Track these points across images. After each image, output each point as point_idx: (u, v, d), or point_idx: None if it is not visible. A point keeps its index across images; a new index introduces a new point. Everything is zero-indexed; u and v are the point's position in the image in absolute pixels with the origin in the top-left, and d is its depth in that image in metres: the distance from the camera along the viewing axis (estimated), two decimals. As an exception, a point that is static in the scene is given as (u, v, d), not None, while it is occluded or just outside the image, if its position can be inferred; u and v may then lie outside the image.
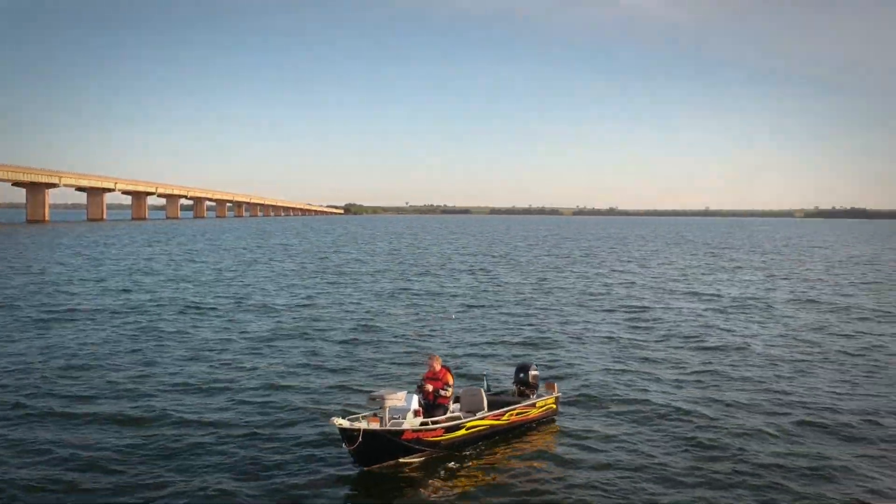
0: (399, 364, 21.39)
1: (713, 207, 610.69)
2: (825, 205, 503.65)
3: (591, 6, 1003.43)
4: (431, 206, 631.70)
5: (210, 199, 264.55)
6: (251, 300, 34.82)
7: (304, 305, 33.48)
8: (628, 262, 66.22)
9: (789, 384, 19.64)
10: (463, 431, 14.41)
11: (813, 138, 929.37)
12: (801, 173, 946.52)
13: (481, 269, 54.71)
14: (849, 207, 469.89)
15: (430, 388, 14.69)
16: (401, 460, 13.57)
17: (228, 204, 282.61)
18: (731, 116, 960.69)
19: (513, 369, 16.99)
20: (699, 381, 19.85)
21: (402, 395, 13.93)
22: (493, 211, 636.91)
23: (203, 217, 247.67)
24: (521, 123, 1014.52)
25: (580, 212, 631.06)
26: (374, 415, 13.48)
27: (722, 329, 28.29)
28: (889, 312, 33.54)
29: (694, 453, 14.29)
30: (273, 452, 14.01)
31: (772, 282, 47.89)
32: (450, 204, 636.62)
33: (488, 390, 15.98)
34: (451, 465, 13.70)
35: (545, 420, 16.07)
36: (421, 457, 13.81)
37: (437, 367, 15.00)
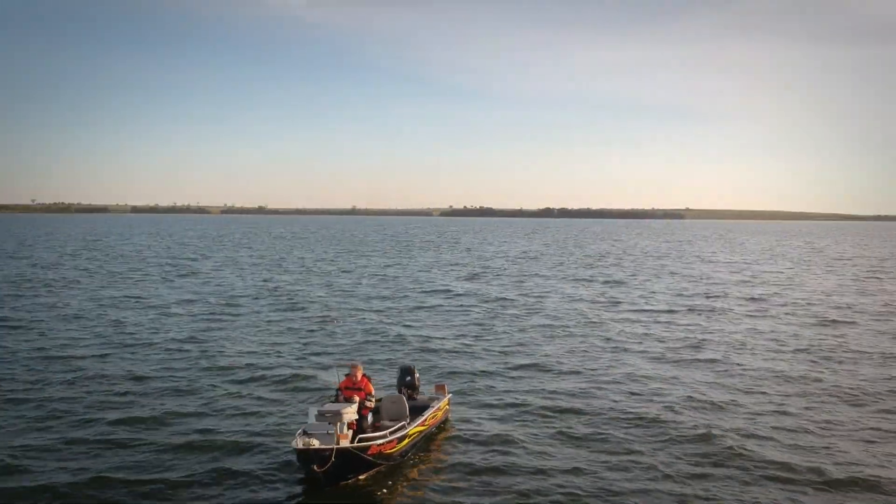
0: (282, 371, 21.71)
1: (360, 206, 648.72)
2: (458, 204, 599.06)
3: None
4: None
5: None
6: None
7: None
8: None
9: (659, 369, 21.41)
10: (406, 441, 14.52)
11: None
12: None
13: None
14: (479, 206, 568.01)
15: (356, 398, 14.77)
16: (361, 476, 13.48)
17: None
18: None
19: (394, 371, 17.75)
20: (572, 375, 21.46)
21: (353, 408, 13.95)
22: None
23: None
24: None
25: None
26: (305, 433, 13.08)
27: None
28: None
29: (576, 443, 15.66)
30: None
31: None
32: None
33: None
34: (401, 473, 13.99)
35: (444, 420, 16.80)
36: (376, 470, 13.75)
37: (359, 376, 15.26)
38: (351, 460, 13.05)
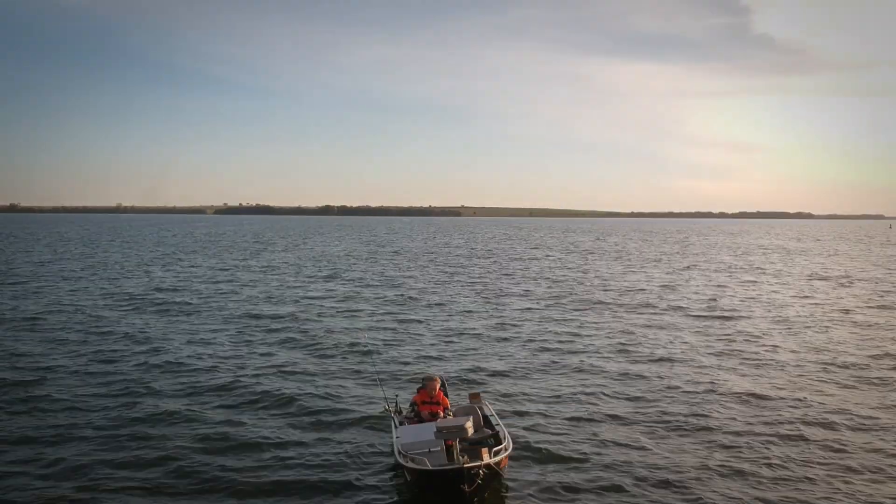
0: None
1: (126, 204, 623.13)
2: (234, 201, 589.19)
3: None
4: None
5: None
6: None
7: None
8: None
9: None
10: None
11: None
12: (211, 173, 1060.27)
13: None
14: (255, 204, 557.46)
15: (440, 414, 13.14)
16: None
17: None
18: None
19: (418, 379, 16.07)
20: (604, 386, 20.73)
21: (472, 421, 12.32)
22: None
23: None
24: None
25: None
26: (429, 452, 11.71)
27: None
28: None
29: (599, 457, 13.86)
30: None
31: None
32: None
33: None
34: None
35: None
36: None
37: (437, 388, 13.56)
38: (490, 477, 11.34)
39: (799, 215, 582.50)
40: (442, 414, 13.22)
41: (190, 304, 33.80)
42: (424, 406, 13.34)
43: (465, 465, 10.70)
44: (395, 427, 13.56)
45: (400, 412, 14.29)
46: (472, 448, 12.21)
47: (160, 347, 23.17)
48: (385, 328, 27.65)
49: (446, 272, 53.19)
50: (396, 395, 15.68)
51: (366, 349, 22.07)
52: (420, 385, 13.87)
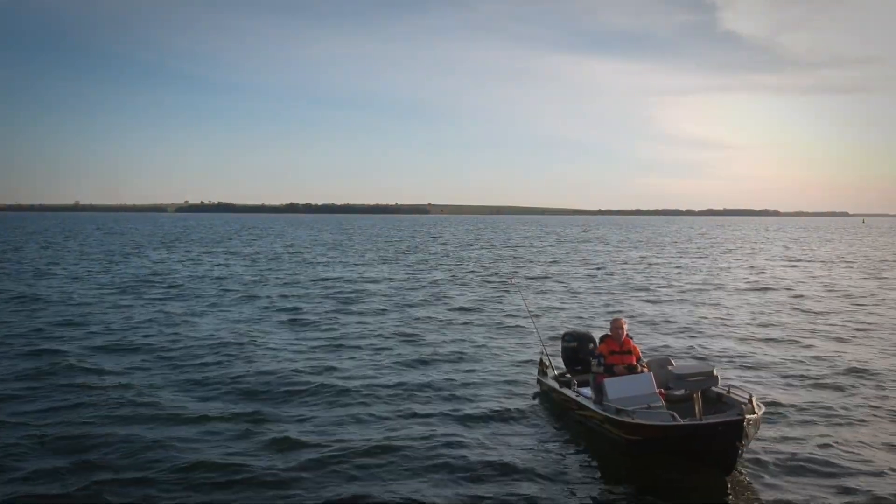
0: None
1: (83, 202, 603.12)
2: (195, 199, 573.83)
3: None
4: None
5: None
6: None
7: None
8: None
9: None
10: None
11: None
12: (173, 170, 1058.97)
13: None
14: (217, 202, 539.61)
15: (636, 366, 10.94)
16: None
17: None
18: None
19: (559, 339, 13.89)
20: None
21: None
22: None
23: None
24: None
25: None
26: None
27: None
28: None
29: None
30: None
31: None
32: None
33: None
34: None
35: None
36: None
37: (624, 334, 11.31)
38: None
39: (765, 212, 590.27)
40: (639, 366, 11.01)
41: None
42: (613, 357, 11.07)
43: (745, 416, 8.50)
44: (574, 386, 11.59)
45: (545, 372, 13.00)
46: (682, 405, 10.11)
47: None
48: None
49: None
50: (541, 352, 13.60)
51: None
52: (605, 333, 11.58)
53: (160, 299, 25.46)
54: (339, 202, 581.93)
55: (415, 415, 11.64)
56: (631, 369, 10.89)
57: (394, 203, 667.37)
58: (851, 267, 43.27)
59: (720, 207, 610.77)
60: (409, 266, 41.76)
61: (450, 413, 11.72)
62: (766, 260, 49.21)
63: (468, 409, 11.91)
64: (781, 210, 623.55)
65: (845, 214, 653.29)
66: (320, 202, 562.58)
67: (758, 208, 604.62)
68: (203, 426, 10.99)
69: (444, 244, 71.76)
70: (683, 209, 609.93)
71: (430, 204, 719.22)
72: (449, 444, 10.23)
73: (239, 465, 9.35)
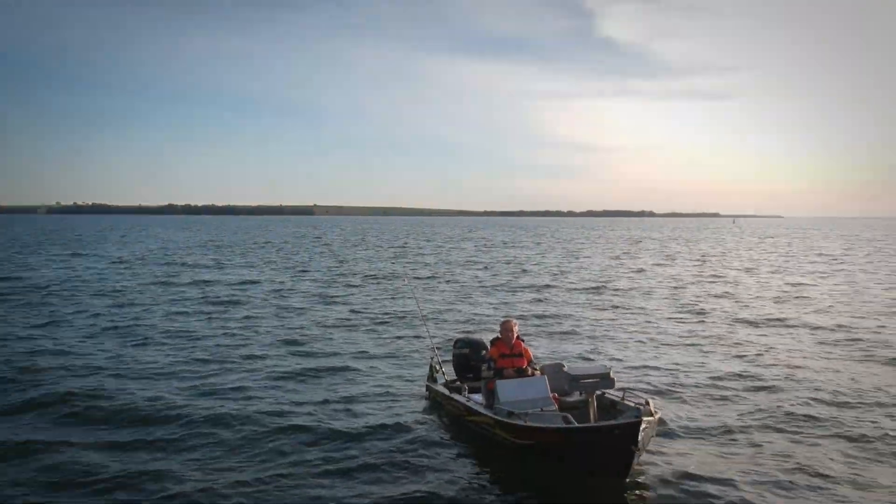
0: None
1: None
2: (67, 200, 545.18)
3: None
4: None
5: None
6: None
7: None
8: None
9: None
10: None
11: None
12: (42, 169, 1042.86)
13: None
14: (91, 203, 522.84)
15: (527, 368, 10.51)
16: None
17: None
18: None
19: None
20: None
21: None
22: None
23: None
24: None
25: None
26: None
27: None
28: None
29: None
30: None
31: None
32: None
33: None
34: None
35: None
36: None
37: (515, 336, 10.85)
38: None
39: (642, 213, 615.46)
40: (529, 369, 10.56)
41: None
42: (504, 360, 10.57)
43: (641, 419, 8.14)
44: (465, 391, 11.08)
45: (434, 378, 12.54)
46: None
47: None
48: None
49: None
50: (431, 357, 13.03)
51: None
52: (495, 336, 11.05)
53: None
54: (220, 203, 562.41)
55: (299, 428, 10.75)
56: (521, 373, 10.45)
57: (278, 204, 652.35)
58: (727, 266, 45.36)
59: (600, 209, 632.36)
60: (291, 268, 40.38)
61: (335, 427, 10.88)
62: (650, 259, 50.94)
63: (354, 422, 11.15)
64: (657, 211, 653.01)
65: (717, 215, 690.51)
66: (200, 203, 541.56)
67: (635, 209, 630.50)
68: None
69: (327, 244, 70.40)
70: (565, 210, 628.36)
71: (315, 205, 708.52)
72: (333, 460, 9.49)
73: None
